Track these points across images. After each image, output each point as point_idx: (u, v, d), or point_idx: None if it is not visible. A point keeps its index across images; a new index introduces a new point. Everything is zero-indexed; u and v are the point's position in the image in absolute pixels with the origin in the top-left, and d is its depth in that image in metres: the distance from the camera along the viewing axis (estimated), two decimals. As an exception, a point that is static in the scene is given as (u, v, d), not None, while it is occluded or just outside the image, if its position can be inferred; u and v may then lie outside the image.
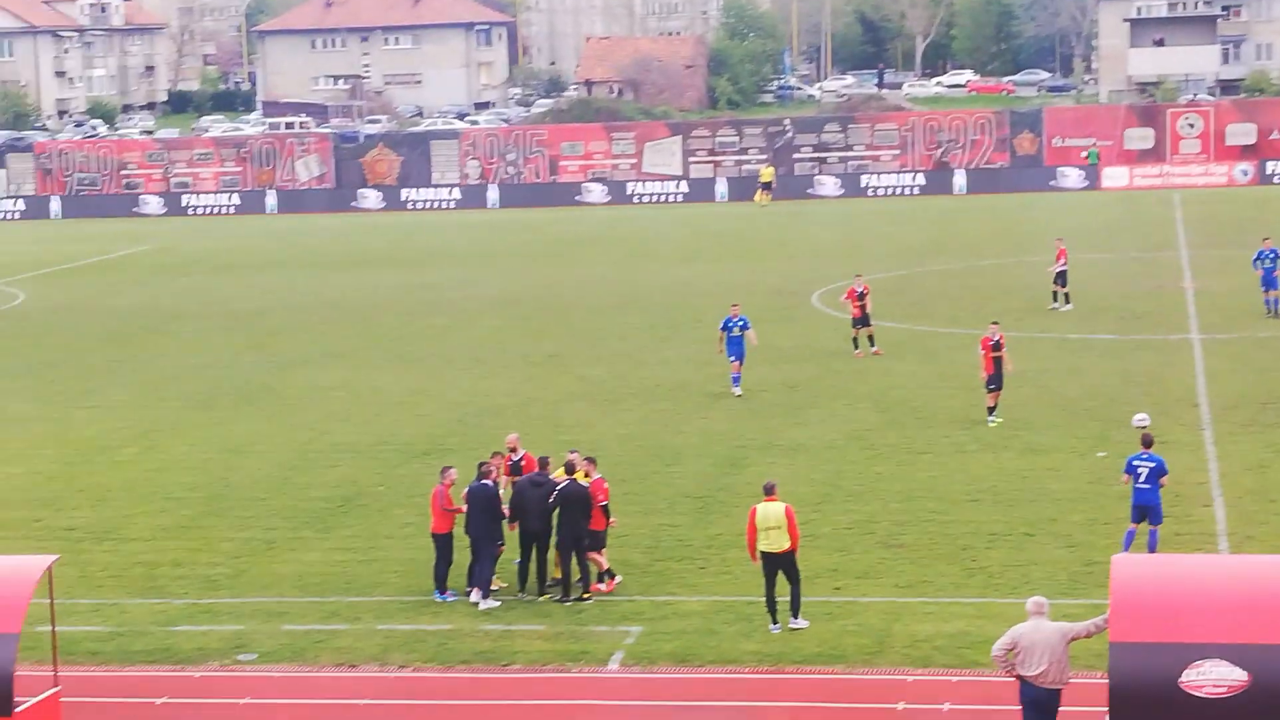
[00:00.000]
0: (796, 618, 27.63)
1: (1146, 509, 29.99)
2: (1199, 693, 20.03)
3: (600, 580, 29.67)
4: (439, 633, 27.95)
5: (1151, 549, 29.64)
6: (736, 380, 45.75)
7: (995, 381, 41.33)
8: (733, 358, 45.78)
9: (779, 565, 27.43)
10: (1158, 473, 29.96)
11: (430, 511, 30.02)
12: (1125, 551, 29.54)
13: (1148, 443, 30.55)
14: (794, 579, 27.60)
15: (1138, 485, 30.07)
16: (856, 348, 51.17)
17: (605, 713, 24.41)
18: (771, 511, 27.39)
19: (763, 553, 27.45)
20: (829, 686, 25.11)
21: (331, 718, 24.50)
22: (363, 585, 30.60)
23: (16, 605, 22.75)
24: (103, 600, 30.40)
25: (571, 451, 30.80)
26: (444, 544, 29.64)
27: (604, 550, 29.86)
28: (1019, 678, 21.64)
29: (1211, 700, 19.99)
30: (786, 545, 27.33)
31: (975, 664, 25.52)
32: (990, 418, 41.31)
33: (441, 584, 29.58)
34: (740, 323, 45.81)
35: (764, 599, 27.62)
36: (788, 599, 27.54)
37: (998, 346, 41.32)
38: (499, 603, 29.24)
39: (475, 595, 29.22)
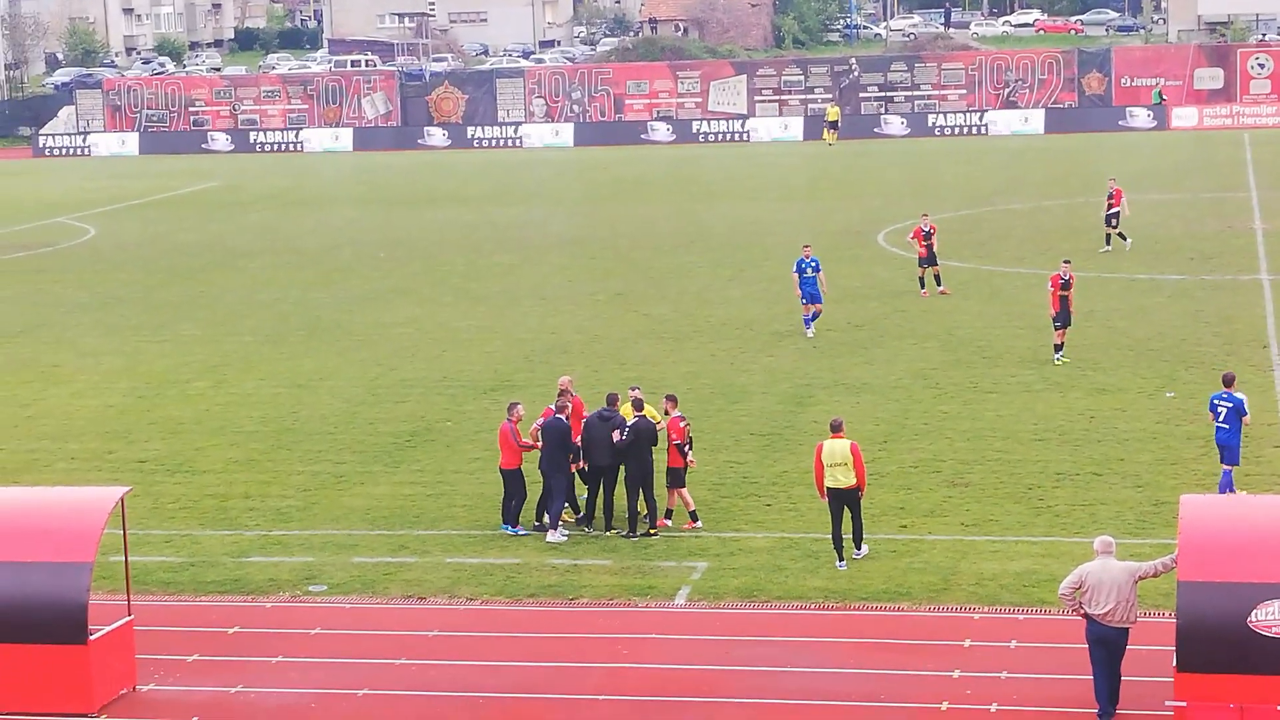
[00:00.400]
0: (860, 548, 27.88)
1: (1223, 448, 29.85)
2: (1268, 632, 20.06)
3: (694, 518, 29.80)
4: (506, 566, 28.15)
5: (1222, 489, 29.52)
6: (809, 321, 45.59)
7: (1063, 319, 41.20)
8: (805, 299, 45.63)
9: (845, 501, 27.54)
10: (1236, 413, 29.77)
11: (499, 447, 30.17)
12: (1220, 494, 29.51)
13: (1228, 381, 30.33)
14: (857, 513, 27.78)
15: (1218, 424, 29.93)
16: (923, 287, 51.04)
17: (672, 647, 24.55)
18: (838, 448, 27.48)
19: (829, 489, 27.56)
20: (895, 623, 25.18)
21: (400, 649, 24.72)
22: (431, 519, 30.82)
23: (90, 535, 23.06)
24: (175, 531, 30.73)
25: (633, 388, 30.87)
26: (513, 479, 29.81)
27: (684, 489, 29.91)
28: (1086, 616, 21.68)
29: (1280, 639, 20.03)
30: (853, 481, 27.44)
31: (1041, 602, 25.55)
32: (1057, 356, 41.22)
33: (512, 518, 29.77)
34: (813, 264, 45.55)
35: (830, 536, 27.74)
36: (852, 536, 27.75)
37: (1067, 285, 41.14)
38: (567, 536, 29.42)
39: (549, 530, 29.41)
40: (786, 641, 24.53)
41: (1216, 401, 30.01)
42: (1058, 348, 41.37)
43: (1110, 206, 57.76)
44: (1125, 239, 57.71)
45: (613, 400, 30.08)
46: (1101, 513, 29.80)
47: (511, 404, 30.48)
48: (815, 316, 45.70)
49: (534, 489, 30.06)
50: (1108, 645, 21.59)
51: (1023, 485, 31.68)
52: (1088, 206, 69.74)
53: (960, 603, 25.90)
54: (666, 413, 30.12)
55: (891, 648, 24.14)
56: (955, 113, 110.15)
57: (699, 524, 29.74)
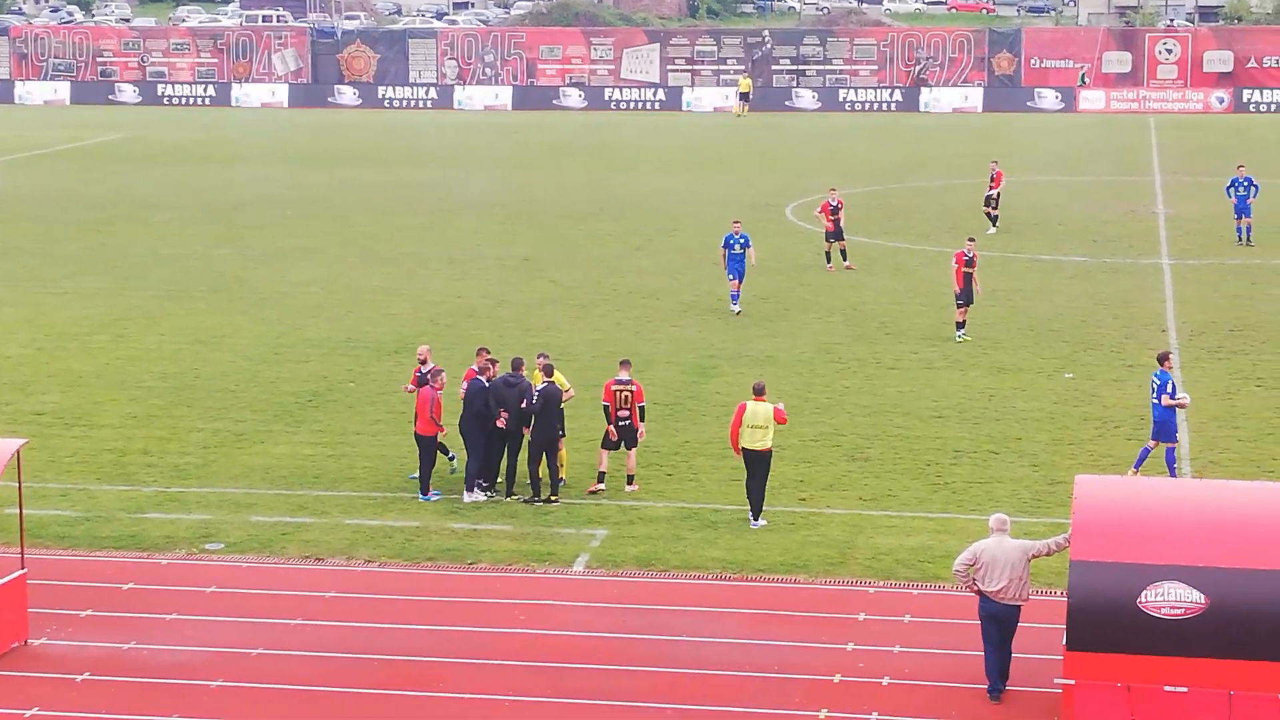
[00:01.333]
0: (757, 519, 28.24)
1: (1156, 424, 30.19)
2: (1157, 613, 20.30)
3: (630, 483, 30.21)
4: (405, 529, 28.13)
5: (1169, 466, 29.97)
6: (735, 298, 45.14)
7: (965, 297, 41.55)
8: (732, 275, 45.06)
9: (758, 462, 28.09)
10: (1160, 390, 30.14)
11: (416, 411, 29.95)
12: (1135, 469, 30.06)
13: (1161, 359, 30.71)
14: (762, 480, 28.20)
15: (1153, 400, 30.34)
16: (829, 261, 51.27)
17: (569, 613, 24.62)
18: (760, 410, 28.22)
19: (745, 449, 28.10)
20: (791, 595, 25.34)
21: (297, 609, 24.66)
22: (331, 480, 30.74)
23: (-13, 487, 22.87)
24: (71, 485, 30.51)
25: (541, 355, 30.88)
26: (428, 446, 29.69)
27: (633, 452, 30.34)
28: (979, 593, 21.91)
29: (1169, 621, 20.27)
30: (769, 445, 28.05)
31: (936, 578, 25.79)
32: (959, 334, 41.56)
33: (425, 485, 29.64)
34: (742, 240, 45.18)
35: (745, 496, 28.52)
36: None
37: (971, 263, 41.51)
38: (486, 496, 29.44)
39: (465, 492, 29.46)
40: (683, 611, 24.65)
41: (1154, 379, 30.41)
42: (960, 325, 41.73)
43: (990, 187, 58.00)
44: (994, 225, 57.46)
45: (517, 365, 30.09)
46: (998, 490, 30.09)
47: (435, 370, 30.28)
48: (735, 295, 45.05)
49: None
50: (999, 622, 21.84)
51: (921, 461, 31.94)
52: (994, 186, 70.30)
53: (856, 576, 26.10)
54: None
55: (787, 619, 24.31)
56: (866, 88, 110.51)
57: (603, 487, 29.94)
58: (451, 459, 30.51)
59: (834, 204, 51.06)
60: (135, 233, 59.45)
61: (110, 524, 28.49)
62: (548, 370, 29.93)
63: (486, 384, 29.65)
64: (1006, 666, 21.91)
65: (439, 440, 29.98)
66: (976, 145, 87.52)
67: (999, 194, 58.00)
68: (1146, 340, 41.61)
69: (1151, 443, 30.36)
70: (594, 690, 21.95)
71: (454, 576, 26.21)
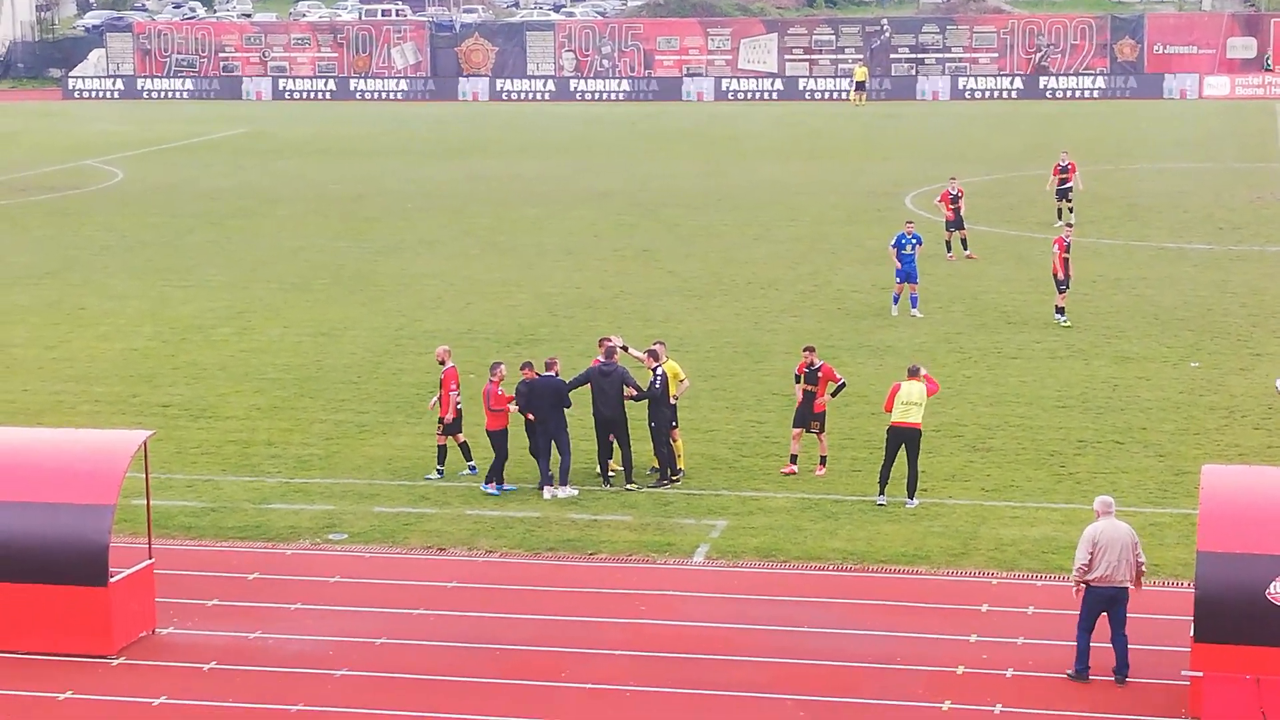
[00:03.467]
0: (911, 499, 28.46)
1: None
2: (1286, 604, 20.06)
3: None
4: (526, 520, 28.21)
5: None
6: (896, 300, 43.18)
7: (1067, 283, 41.60)
8: (900, 278, 43.01)
9: (905, 440, 28.33)
10: None
11: (484, 409, 29.98)
12: None
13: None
14: (914, 458, 28.39)
15: None
16: (949, 251, 50.95)
17: (690, 604, 24.60)
18: (915, 389, 28.47)
19: (894, 425, 28.39)
20: (914, 586, 25.19)
21: (419, 599, 24.80)
22: (452, 471, 30.83)
23: (112, 478, 23.14)
24: (197, 476, 30.83)
25: (605, 340, 31.04)
26: (499, 440, 29.69)
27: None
28: (1089, 584, 21.71)
29: (1298, 612, 20.02)
30: (920, 421, 28.31)
31: (1060, 569, 25.55)
32: (1061, 318, 41.62)
33: (496, 476, 29.58)
34: (914, 240, 43.04)
35: (878, 476, 28.84)
36: (904, 480, 28.58)
37: (1069, 248, 41.43)
38: (577, 490, 29.50)
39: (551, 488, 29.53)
40: (804, 602, 24.58)
41: None
42: (1059, 310, 41.64)
43: (1063, 181, 56.15)
44: (1070, 214, 55.57)
45: (611, 352, 30.06)
46: (1123, 481, 29.77)
47: (494, 364, 30.28)
48: (914, 299, 43.06)
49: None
50: (1117, 603, 21.71)
51: (1044, 451, 31.66)
52: (1118, 173, 69.69)
53: (979, 567, 25.90)
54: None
55: (909, 611, 24.16)
56: (986, 76, 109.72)
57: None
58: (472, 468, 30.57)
59: (954, 193, 50.79)
60: (258, 226, 60.03)
61: (235, 514, 28.78)
62: (609, 352, 29.92)
63: (557, 377, 29.73)
64: (1125, 649, 21.72)
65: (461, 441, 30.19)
66: (1099, 132, 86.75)
67: (1073, 186, 56.10)
68: (1274, 328, 41.05)
69: None
70: (714, 681, 21.92)
71: (574, 567, 26.25)
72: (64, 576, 22.70)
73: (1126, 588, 21.78)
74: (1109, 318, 42.32)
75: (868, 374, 36.59)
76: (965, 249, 51.00)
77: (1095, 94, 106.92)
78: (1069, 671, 21.94)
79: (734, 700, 21.37)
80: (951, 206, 50.88)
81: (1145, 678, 21.70)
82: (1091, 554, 21.74)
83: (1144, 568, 22.03)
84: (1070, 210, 55.91)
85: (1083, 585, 21.81)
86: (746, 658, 22.62)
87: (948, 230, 51.25)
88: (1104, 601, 21.76)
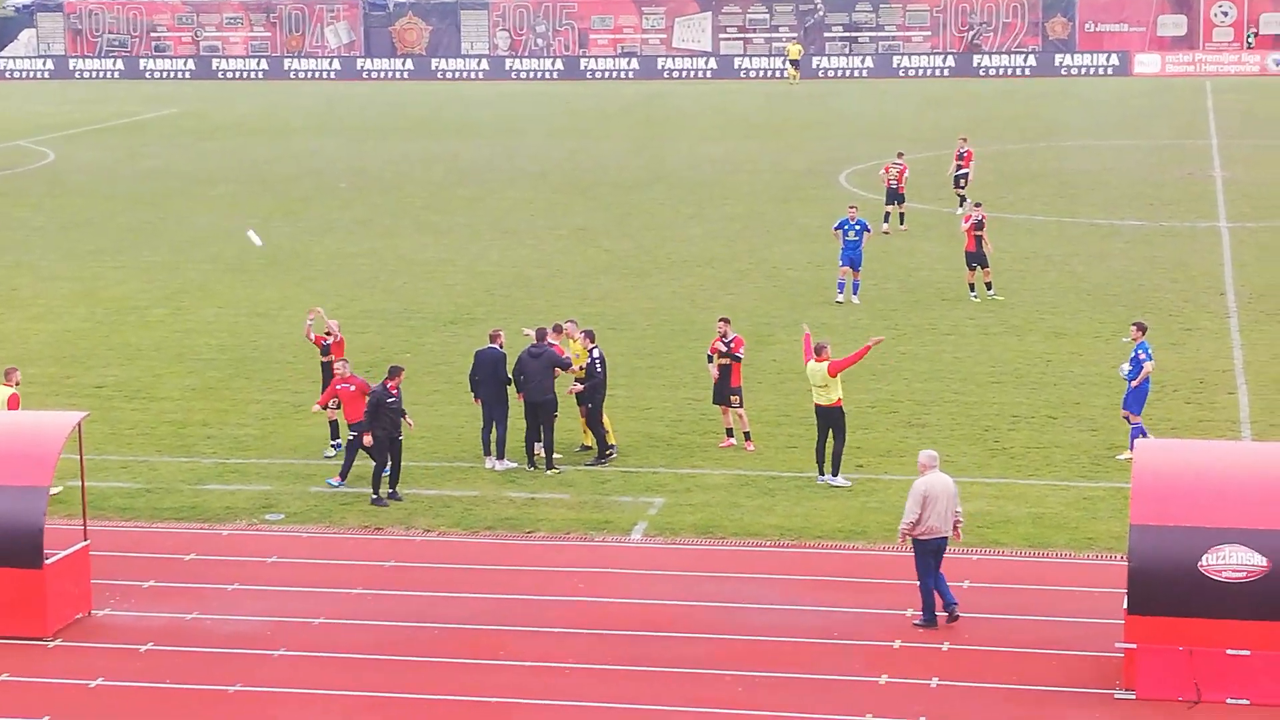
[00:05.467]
0: (836, 475, 28.55)
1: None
2: (1218, 576, 20.26)
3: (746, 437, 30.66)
4: (463, 498, 28.22)
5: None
6: (842, 286, 42.41)
7: (977, 259, 42.04)
8: (843, 262, 42.48)
9: (824, 418, 28.53)
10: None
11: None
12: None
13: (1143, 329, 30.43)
14: (838, 436, 28.49)
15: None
16: (885, 222, 51.36)
17: (628, 581, 24.66)
18: (816, 370, 28.48)
19: (816, 405, 28.59)
20: (850, 561, 25.32)
21: (357, 579, 24.77)
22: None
23: (46, 460, 23.02)
24: (132, 457, 30.70)
25: (568, 321, 31.15)
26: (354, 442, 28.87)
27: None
28: (918, 538, 22.62)
29: (1230, 584, 20.23)
30: (832, 400, 28.30)
31: (995, 543, 25.74)
32: (972, 295, 42.05)
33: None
34: (858, 225, 42.44)
35: (801, 463, 29.19)
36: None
37: (980, 225, 41.72)
38: (515, 463, 29.53)
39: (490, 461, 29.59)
40: (742, 578, 24.67)
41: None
42: (971, 287, 42.26)
43: (960, 167, 55.48)
44: (963, 203, 53.90)
45: (542, 335, 30.08)
46: (1056, 455, 29.99)
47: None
48: (856, 285, 42.36)
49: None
50: (940, 553, 22.82)
51: (979, 427, 31.86)
52: (1049, 151, 70.06)
53: (915, 542, 26.03)
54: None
55: (846, 586, 24.29)
56: (919, 54, 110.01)
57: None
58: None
59: (894, 171, 51.93)
60: (191, 207, 59.72)
61: (171, 495, 28.68)
62: (540, 335, 29.98)
63: (499, 349, 29.79)
64: (947, 587, 22.86)
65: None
66: (1031, 110, 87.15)
67: (969, 173, 55.28)
68: (1205, 304, 41.41)
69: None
70: (653, 657, 21.98)
71: (512, 545, 26.28)
72: (-1, 559, 22.60)
73: (947, 537, 22.80)
74: (1041, 294, 42.59)
75: (802, 351, 36.65)
76: (901, 223, 51.57)
77: (1027, 72, 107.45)
78: (916, 622, 22.82)
79: (673, 676, 21.43)
80: (892, 183, 51.96)
81: (1079, 650, 21.89)
82: (921, 509, 22.47)
83: (961, 519, 23.08)
84: (961, 200, 54.30)
85: (916, 536, 22.70)
86: (685, 634, 22.69)
87: (888, 203, 51.89)
88: (932, 552, 22.68)
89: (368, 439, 28.14)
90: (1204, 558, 20.31)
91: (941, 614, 22.79)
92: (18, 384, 28.66)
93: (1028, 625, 22.58)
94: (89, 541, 24.03)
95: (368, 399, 28.50)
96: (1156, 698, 20.40)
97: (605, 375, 30.05)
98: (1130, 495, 21.30)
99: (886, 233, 50.58)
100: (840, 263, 42.91)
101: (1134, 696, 20.51)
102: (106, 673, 21.74)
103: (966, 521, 26.58)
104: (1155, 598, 20.43)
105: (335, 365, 29.70)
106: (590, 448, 30.33)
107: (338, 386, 29.12)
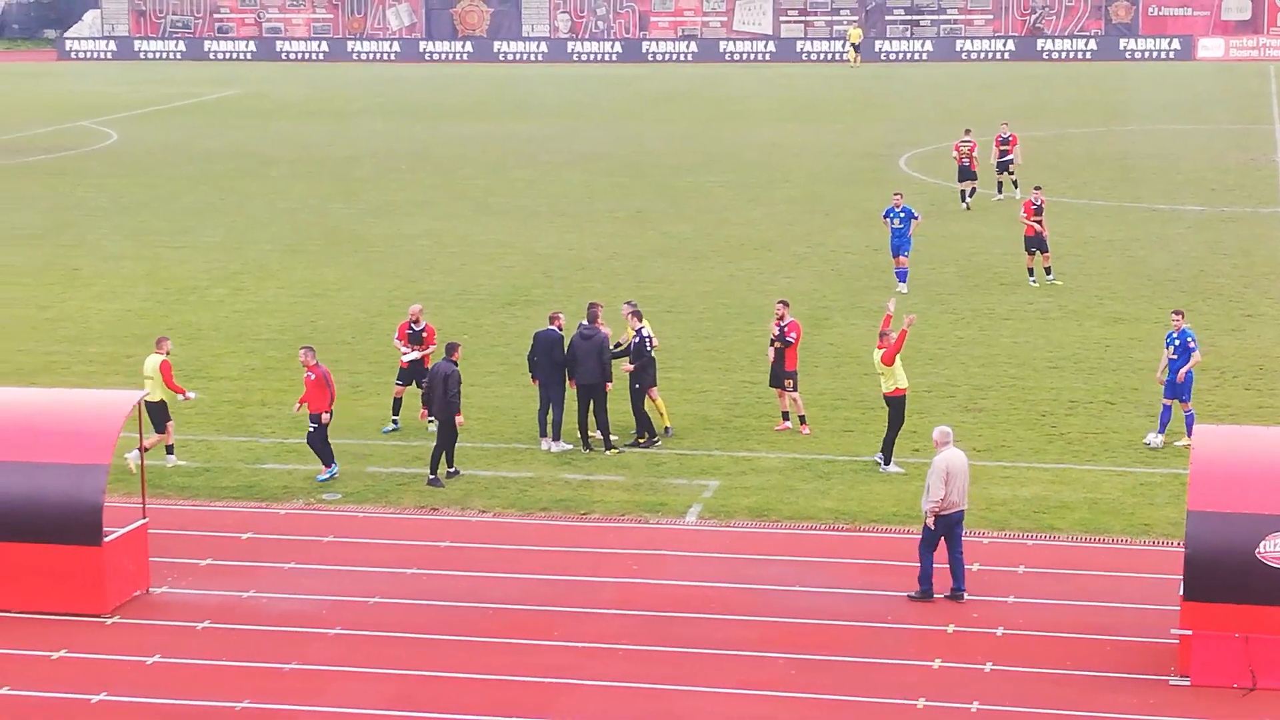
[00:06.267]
0: (889, 464, 28.59)
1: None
2: (1275, 563, 20.16)
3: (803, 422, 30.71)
4: (519, 480, 28.29)
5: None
6: (902, 276, 41.62)
7: (1037, 244, 41.87)
8: (892, 252, 41.96)
9: (887, 406, 28.59)
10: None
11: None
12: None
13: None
14: (891, 424, 28.49)
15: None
16: (963, 200, 52.42)
17: (682, 564, 24.68)
18: (875, 357, 28.70)
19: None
20: (904, 546, 25.22)
21: (413, 559, 24.88)
22: (419, 428, 30.84)
23: (106, 438, 23.20)
24: (191, 436, 30.87)
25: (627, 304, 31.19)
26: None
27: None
28: (939, 515, 22.82)
29: (1287, 571, 20.12)
30: (889, 388, 28.35)
31: (1051, 529, 25.67)
32: (1031, 279, 41.81)
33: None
34: (903, 213, 41.58)
35: (855, 448, 29.30)
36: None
37: (1039, 210, 41.45)
38: (570, 445, 29.60)
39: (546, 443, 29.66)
40: (796, 561, 24.67)
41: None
42: (1030, 272, 42.09)
43: (1004, 154, 54.54)
44: (1014, 187, 54.15)
45: (594, 315, 30.07)
46: (1113, 441, 29.86)
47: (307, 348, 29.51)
48: (902, 273, 41.67)
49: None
50: (959, 524, 23.06)
51: (1036, 412, 31.75)
52: (1111, 135, 69.66)
53: (970, 527, 25.88)
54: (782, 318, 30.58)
55: (900, 570, 24.23)
56: (981, 38, 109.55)
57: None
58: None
59: (968, 149, 52.96)
60: (252, 187, 60.00)
61: (229, 474, 28.84)
62: (592, 317, 30.02)
63: (557, 331, 29.76)
64: (963, 568, 23.16)
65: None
66: (1093, 94, 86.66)
67: (1014, 158, 54.46)
68: (1266, 289, 41.14)
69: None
70: (706, 640, 22.01)
71: (568, 526, 26.34)
72: (58, 536, 22.77)
73: (964, 510, 23.10)
74: (1101, 279, 42.40)
75: (860, 335, 36.64)
76: (966, 202, 52.81)
77: (1089, 55, 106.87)
78: (912, 593, 23.05)
79: (726, 659, 21.46)
80: (963, 160, 52.90)
81: (1134, 636, 21.81)
82: (946, 484, 22.72)
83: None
84: (1014, 184, 54.25)
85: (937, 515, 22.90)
86: (738, 616, 22.71)
87: (961, 180, 53.20)
88: (948, 526, 22.92)
89: (460, 419, 28.28)
90: (1262, 544, 20.21)
91: (941, 595, 23.06)
92: (168, 352, 29.13)
93: (1083, 611, 22.50)
94: (147, 520, 24.21)
95: (430, 374, 28.60)
96: (1211, 684, 20.32)
97: (652, 355, 29.95)
98: (1189, 481, 21.21)
99: (968, 208, 51.60)
100: (892, 253, 42.42)
101: (1189, 683, 20.43)
102: (164, 649, 21.90)
103: (1023, 507, 26.66)
104: (1212, 584, 20.35)
105: (301, 353, 29.17)
106: (671, 429, 30.32)
107: (307, 376, 28.80)
